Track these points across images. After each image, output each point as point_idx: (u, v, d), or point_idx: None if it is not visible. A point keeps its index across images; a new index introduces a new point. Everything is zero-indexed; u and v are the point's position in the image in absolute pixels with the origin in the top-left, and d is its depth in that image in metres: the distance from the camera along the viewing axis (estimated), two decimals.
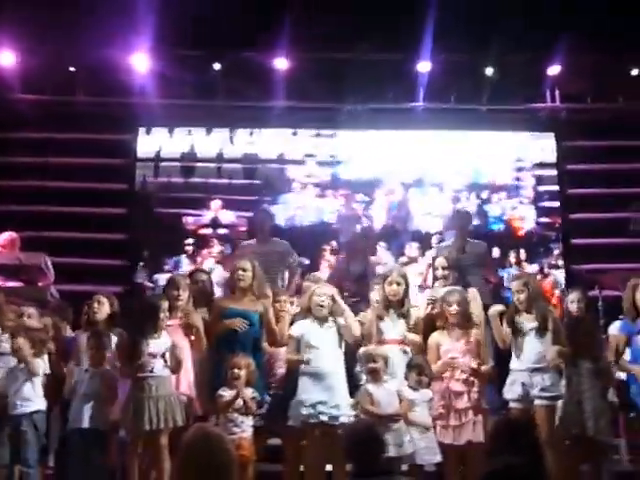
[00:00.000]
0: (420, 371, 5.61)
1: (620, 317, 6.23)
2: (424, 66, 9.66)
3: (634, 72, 9.90)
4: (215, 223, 9.92)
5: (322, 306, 5.66)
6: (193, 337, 5.73)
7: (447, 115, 10.06)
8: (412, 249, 9.61)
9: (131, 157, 10.10)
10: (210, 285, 6.48)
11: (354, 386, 5.71)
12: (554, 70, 9.79)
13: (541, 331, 5.77)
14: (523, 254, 10.05)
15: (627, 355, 5.97)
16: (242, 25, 8.96)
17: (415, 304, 6.26)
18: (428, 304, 6.17)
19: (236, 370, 5.45)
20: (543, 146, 10.37)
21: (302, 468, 5.64)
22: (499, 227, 10.21)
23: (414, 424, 5.45)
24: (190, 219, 9.96)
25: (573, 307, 6.42)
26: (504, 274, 9.55)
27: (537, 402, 5.64)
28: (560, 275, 9.92)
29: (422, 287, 7.92)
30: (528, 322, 5.83)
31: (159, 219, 9.99)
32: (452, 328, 5.83)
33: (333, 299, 5.74)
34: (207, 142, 10.23)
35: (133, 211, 9.97)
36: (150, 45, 9.33)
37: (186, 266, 9.47)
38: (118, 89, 9.73)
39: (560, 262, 10.02)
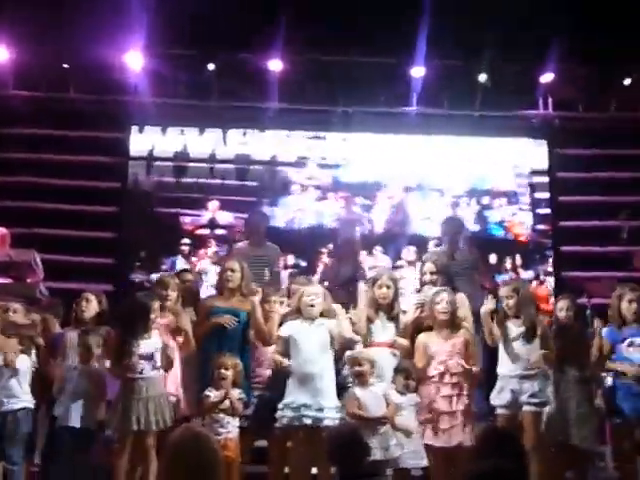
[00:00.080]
0: (407, 375, 5.61)
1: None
2: (418, 71, 9.70)
3: (626, 81, 9.95)
4: (213, 224, 9.92)
5: (312, 306, 5.65)
6: (181, 339, 5.72)
7: (440, 120, 10.09)
8: (409, 253, 9.63)
9: (123, 155, 10.09)
10: (196, 285, 6.49)
11: (342, 388, 5.71)
12: (547, 78, 9.84)
13: (529, 337, 5.79)
14: (519, 260, 10.09)
15: None
16: (237, 26, 8.96)
17: (405, 308, 6.27)
18: (416, 308, 6.17)
19: (223, 370, 5.44)
20: (540, 153, 10.43)
21: (287, 470, 5.64)
22: (499, 233, 10.26)
23: (400, 428, 5.45)
24: (187, 219, 9.95)
25: (562, 314, 6.43)
26: (499, 280, 9.57)
27: (525, 408, 5.64)
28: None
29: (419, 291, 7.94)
30: (516, 328, 5.85)
31: (153, 218, 9.97)
32: (440, 329, 5.84)
33: (324, 298, 5.74)
34: (200, 142, 10.23)
35: (125, 209, 9.95)
36: (144, 44, 9.34)
37: (181, 266, 9.42)
38: (111, 87, 9.72)
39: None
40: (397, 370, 5.67)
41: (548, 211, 10.30)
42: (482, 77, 9.73)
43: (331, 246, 9.80)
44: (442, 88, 9.90)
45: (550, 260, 10.15)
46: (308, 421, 5.38)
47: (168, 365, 5.49)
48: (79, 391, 5.59)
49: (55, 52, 9.47)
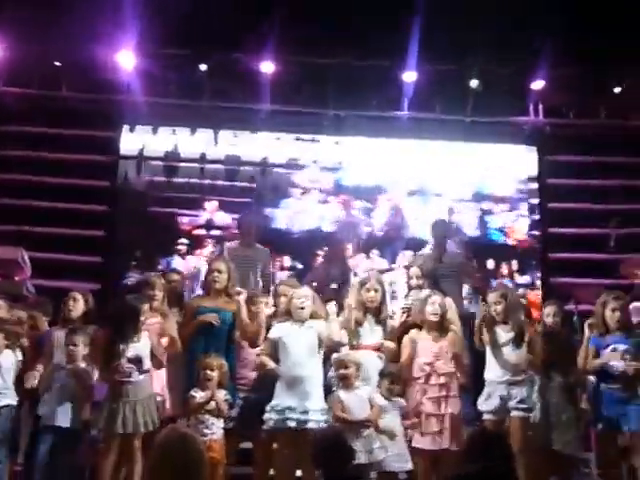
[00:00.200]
0: (392, 380, 5.62)
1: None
2: (409, 75, 9.71)
3: (616, 89, 9.99)
4: (210, 224, 9.90)
5: (302, 308, 5.64)
6: (167, 341, 5.70)
7: (431, 125, 10.11)
8: (404, 258, 9.64)
9: (114, 154, 10.06)
10: (182, 286, 6.50)
11: (328, 390, 5.71)
12: (538, 85, 9.87)
13: (518, 343, 5.81)
14: (515, 266, 10.13)
15: None
16: (229, 27, 8.95)
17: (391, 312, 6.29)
18: (403, 313, 6.19)
19: (208, 371, 5.43)
20: (531, 159, 10.49)
21: (272, 472, 5.63)
22: (499, 239, 10.29)
23: (384, 430, 5.45)
24: (185, 219, 9.94)
25: (549, 320, 6.46)
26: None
27: (514, 413, 5.68)
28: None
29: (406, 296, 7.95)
30: (505, 333, 5.87)
31: (146, 217, 9.93)
32: (429, 330, 5.85)
33: (313, 300, 5.74)
34: (191, 142, 10.22)
35: (115, 208, 9.92)
36: (136, 43, 9.32)
37: (178, 266, 9.40)
38: (103, 86, 9.70)
39: None
40: (382, 374, 5.68)
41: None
42: (473, 83, 9.75)
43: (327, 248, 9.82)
44: (434, 93, 9.92)
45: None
46: (292, 424, 5.37)
47: (157, 366, 5.49)
48: (65, 390, 5.58)
49: (47, 50, 9.43)
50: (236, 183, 10.13)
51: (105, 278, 9.35)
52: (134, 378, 5.32)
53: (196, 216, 9.97)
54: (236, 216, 9.51)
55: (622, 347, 5.64)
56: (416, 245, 9.71)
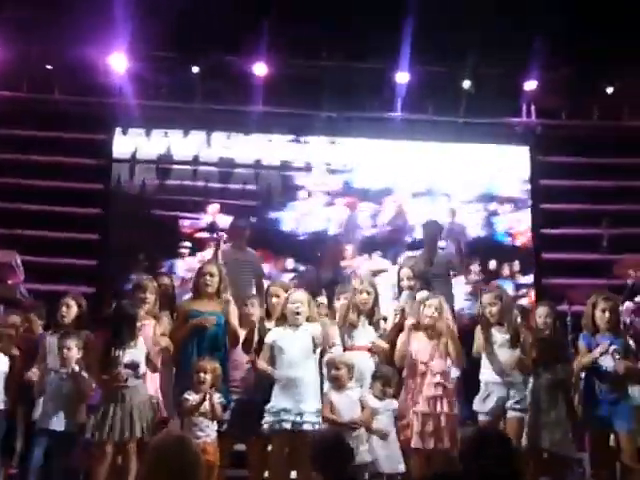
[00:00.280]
0: (385, 382, 5.63)
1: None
2: (402, 77, 9.73)
3: (609, 90, 10.03)
4: (212, 227, 9.87)
5: (298, 314, 5.65)
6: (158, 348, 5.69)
7: (424, 126, 10.13)
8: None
9: (107, 157, 10.05)
10: (172, 289, 6.50)
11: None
12: (530, 85, 9.90)
13: (513, 344, 5.82)
14: (517, 266, 10.15)
15: None
16: (222, 29, 8.96)
17: (386, 313, 6.30)
18: (396, 314, 6.20)
19: (202, 374, 5.43)
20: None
21: (267, 474, 5.64)
22: (506, 240, 10.33)
23: (376, 432, 5.46)
24: (186, 222, 9.93)
25: (540, 321, 6.47)
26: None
27: (510, 414, 5.71)
28: None
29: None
30: (501, 335, 5.88)
31: (146, 220, 9.89)
32: (425, 331, 5.84)
33: (309, 305, 5.75)
34: (184, 144, 10.22)
35: (108, 211, 9.91)
36: (128, 45, 9.32)
37: (180, 269, 9.46)
38: (95, 88, 9.69)
39: None
40: (375, 376, 5.69)
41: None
42: (466, 84, 9.78)
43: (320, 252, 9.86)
44: (426, 94, 9.94)
45: None
46: (287, 425, 5.38)
47: (152, 369, 5.50)
48: (60, 394, 5.58)
49: (38, 53, 9.43)
50: (236, 186, 10.13)
51: (100, 281, 9.34)
52: (130, 383, 5.32)
53: (198, 219, 9.96)
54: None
55: (612, 347, 5.66)
56: (420, 246, 9.75)
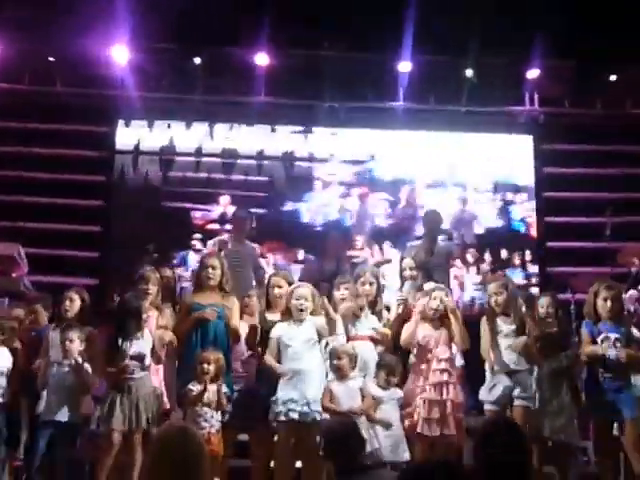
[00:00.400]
0: (389, 371, 5.61)
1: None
2: (404, 66, 9.71)
3: (612, 78, 9.99)
4: (223, 219, 9.88)
5: (302, 311, 5.65)
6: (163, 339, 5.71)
7: (426, 115, 10.11)
8: None
9: (110, 149, 10.06)
10: (174, 281, 6.50)
11: None
12: (533, 74, 9.88)
13: (519, 333, 5.81)
14: (528, 256, 10.16)
15: None
16: (223, 20, 8.95)
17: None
18: (399, 305, 6.20)
19: (205, 365, 5.44)
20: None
21: (272, 464, 5.65)
22: (522, 229, 10.34)
23: (379, 421, 5.46)
24: (198, 214, 9.94)
25: (543, 311, 6.46)
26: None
27: (517, 402, 5.69)
28: None
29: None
30: (507, 325, 5.87)
31: (155, 212, 9.90)
32: (430, 320, 5.82)
33: (313, 299, 5.74)
34: (187, 136, 10.22)
35: (111, 203, 9.92)
36: (130, 38, 9.32)
37: (193, 261, 9.44)
38: (97, 81, 9.70)
39: None
40: (379, 365, 5.67)
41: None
42: (468, 73, 9.75)
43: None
44: (429, 84, 9.91)
45: None
46: (295, 415, 5.39)
47: (156, 361, 5.51)
48: (63, 385, 5.58)
49: (40, 45, 9.42)
50: (240, 177, 10.13)
51: (102, 274, 9.36)
52: (137, 375, 5.34)
53: (209, 210, 9.97)
54: (253, 210, 9.49)
55: (614, 336, 5.64)
56: None
